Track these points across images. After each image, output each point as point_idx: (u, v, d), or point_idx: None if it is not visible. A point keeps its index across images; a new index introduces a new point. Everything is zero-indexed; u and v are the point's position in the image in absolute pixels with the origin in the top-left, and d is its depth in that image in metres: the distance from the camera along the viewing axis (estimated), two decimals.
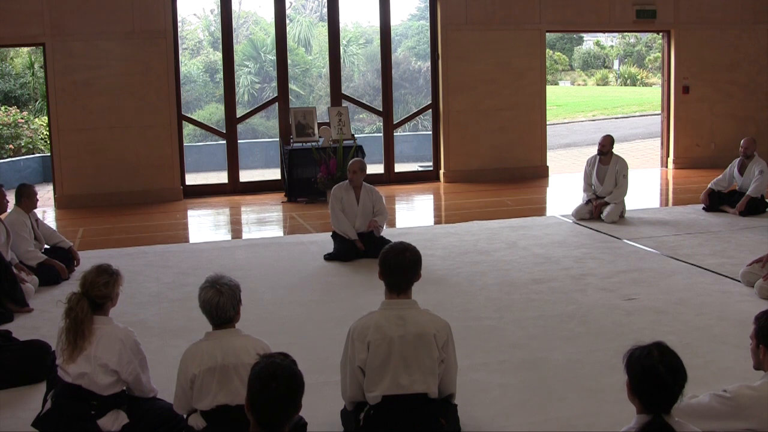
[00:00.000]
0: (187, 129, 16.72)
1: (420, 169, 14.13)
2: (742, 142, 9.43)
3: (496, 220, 9.16)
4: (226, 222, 10.32)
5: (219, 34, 12.95)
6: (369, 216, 7.63)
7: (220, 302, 3.43)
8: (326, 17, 12.49)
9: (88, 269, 3.83)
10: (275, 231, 9.59)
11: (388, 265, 3.60)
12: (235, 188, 11.81)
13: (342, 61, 13.55)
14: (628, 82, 34.24)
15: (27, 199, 6.88)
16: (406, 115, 15.55)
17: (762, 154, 9.77)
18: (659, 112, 14.57)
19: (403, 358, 3.52)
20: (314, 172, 10.75)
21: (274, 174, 12.85)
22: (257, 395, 2.42)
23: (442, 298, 6.13)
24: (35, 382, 4.47)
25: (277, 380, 2.40)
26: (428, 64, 13.98)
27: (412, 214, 10.66)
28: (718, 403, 3.28)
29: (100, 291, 3.69)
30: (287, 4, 14.03)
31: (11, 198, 6.95)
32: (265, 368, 2.44)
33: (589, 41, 36.87)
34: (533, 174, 12.54)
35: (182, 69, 14.09)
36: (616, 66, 36.40)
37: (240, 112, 12.82)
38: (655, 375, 2.67)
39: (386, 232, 7.91)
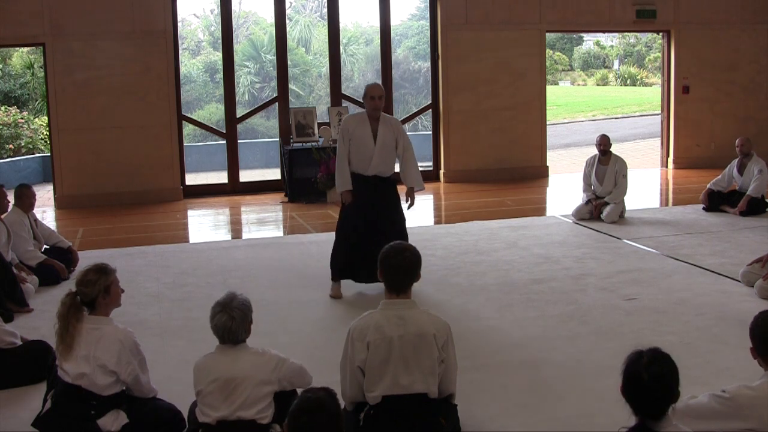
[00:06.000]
0: (187, 129, 16.71)
1: (420, 169, 14.08)
2: (737, 141, 9.45)
3: (496, 220, 9.16)
4: (225, 222, 10.32)
5: (219, 34, 12.95)
6: (391, 153, 6.23)
7: (232, 327, 3.52)
8: (326, 17, 12.49)
9: (82, 269, 3.85)
10: (275, 231, 9.58)
11: (388, 264, 3.60)
12: (235, 188, 11.81)
13: (342, 61, 13.55)
14: (628, 82, 34.23)
15: (20, 199, 6.89)
16: (406, 115, 15.55)
17: (762, 154, 9.78)
18: (659, 112, 14.56)
19: (402, 358, 3.52)
20: (314, 172, 10.77)
21: (274, 174, 12.85)
22: (300, 425, 2.54)
23: (442, 298, 6.13)
24: (35, 382, 4.47)
25: (321, 410, 2.54)
26: (428, 64, 13.97)
27: (412, 214, 10.61)
28: (717, 404, 3.27)
29: (85, 289, 3.70)
30: (287, 4, 14.02)
31: (12, 198, 6.95)
32: (308, 400, 2.58)
33: (589, 41, 36.86)
34: (533, 174, 12.53)
35: (182, 69, 14.09)
36: (616, 66, 36.40)
37: (240, 112, 12.82)
38: (637, 380, 2.70)
39: None
